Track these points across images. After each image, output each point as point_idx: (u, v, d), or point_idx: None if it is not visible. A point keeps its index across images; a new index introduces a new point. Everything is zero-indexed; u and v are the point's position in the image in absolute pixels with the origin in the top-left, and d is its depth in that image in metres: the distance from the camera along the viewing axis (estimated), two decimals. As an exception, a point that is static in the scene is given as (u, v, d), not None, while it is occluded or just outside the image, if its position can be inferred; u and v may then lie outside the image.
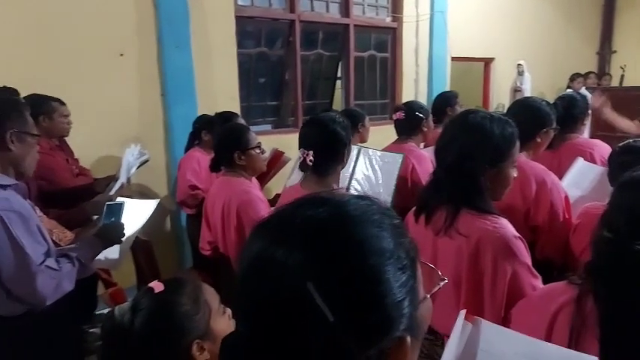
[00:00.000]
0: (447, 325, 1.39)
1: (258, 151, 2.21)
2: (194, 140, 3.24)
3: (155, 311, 1.03)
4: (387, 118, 5.30)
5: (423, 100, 5.01)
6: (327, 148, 1.71)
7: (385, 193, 2.33)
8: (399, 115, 2.71)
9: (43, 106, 2.49)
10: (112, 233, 1.79)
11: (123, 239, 1.82)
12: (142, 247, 2.43)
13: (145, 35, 3.44)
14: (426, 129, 2.74)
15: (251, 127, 2.46)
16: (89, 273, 1.74)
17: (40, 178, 2.28)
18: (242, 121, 3.00)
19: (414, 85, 5.34)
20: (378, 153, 2.48)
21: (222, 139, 2.24)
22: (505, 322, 1.23)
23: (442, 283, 0.54)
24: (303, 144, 1.74)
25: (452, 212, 1.34)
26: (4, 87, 2.41)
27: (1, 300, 1.52)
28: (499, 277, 1.26)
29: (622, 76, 6.64)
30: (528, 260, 1.30)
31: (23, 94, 2.21)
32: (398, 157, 2.40)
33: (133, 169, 2.58)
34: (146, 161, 2.66)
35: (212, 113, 3.23)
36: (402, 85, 5.24)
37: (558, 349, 0.84)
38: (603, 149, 2.27)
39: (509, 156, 1.38)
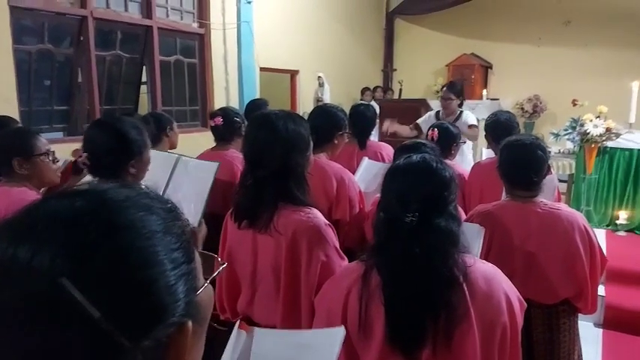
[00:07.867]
0: (269, 317, 1.42)
1: (47, 159, 1.91)
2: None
3: None
4: (198, 125, 5.18)
5: (235, 106, 5.05)
6: (115, 150, 1.54)
7: (198, 203, 2.26)
8: (218, 120, 2.63)
9: None
10: None
11: None
12: None
13: None
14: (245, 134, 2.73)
15: (34, 133, 2.10)
16: None
17: None
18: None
19: (225, 93, 5.35)
20: (194, 162, 2.37)
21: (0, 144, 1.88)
22: None
23: (221, 268, 0.54)
24: (86, 147, 1.56)
25: (270, 210, 1.39)
26: None
27: None
28: (313, 262, 1.36)
29: (400, 90, 7.89)
30: (337, 244, 1.43)
31: None
32: (213, 167, 2.33)
33: None
34: None
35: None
36: (212, 92, 5.19)
37: (314, 331, 1.00)
38: (389, 150, 2.73)
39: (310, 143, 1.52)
